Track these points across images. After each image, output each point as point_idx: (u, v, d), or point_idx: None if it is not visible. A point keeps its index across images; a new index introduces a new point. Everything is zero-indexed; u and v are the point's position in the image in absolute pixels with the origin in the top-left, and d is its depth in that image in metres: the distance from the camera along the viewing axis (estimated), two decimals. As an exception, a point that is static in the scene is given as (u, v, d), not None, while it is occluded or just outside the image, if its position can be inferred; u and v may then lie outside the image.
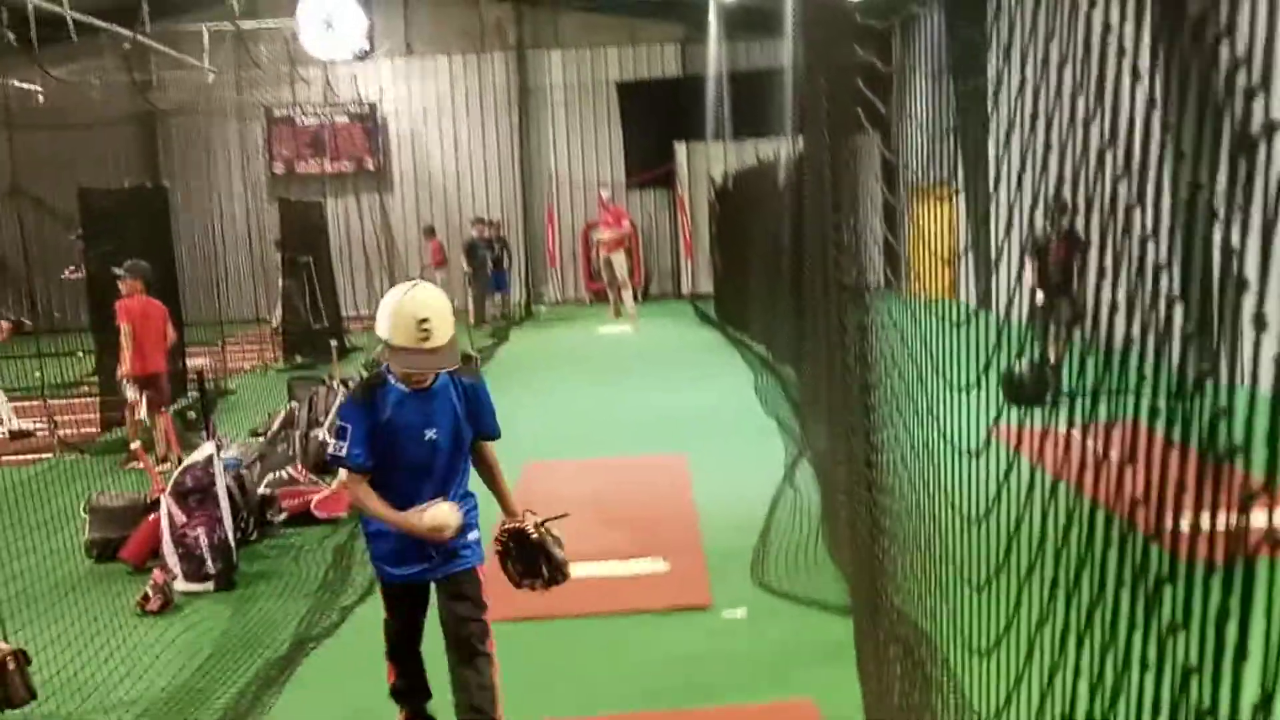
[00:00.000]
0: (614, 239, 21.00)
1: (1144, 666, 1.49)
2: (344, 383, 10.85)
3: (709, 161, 22.26)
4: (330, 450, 4.24)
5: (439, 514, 4.15)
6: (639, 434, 10.81)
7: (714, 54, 21.73)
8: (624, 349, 17.39)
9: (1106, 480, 1.75)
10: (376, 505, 4.19)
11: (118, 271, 10.70)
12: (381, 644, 4.59)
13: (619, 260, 21.11)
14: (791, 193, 11.00)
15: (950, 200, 3.11)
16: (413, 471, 4.24)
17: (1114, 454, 1.73)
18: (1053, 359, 9.79)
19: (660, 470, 9.24)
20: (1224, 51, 1.29)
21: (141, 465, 8.55)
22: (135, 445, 7.98)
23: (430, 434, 4.21)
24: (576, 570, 6.06)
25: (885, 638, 3.69)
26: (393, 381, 4.20)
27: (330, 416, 9.75)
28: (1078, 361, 1.90)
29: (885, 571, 3.67)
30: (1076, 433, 1.86)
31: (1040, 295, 9.74)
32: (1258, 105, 1.16)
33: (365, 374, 11.46)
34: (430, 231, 23.43)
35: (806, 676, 5.15)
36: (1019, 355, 2.68)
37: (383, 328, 4.09)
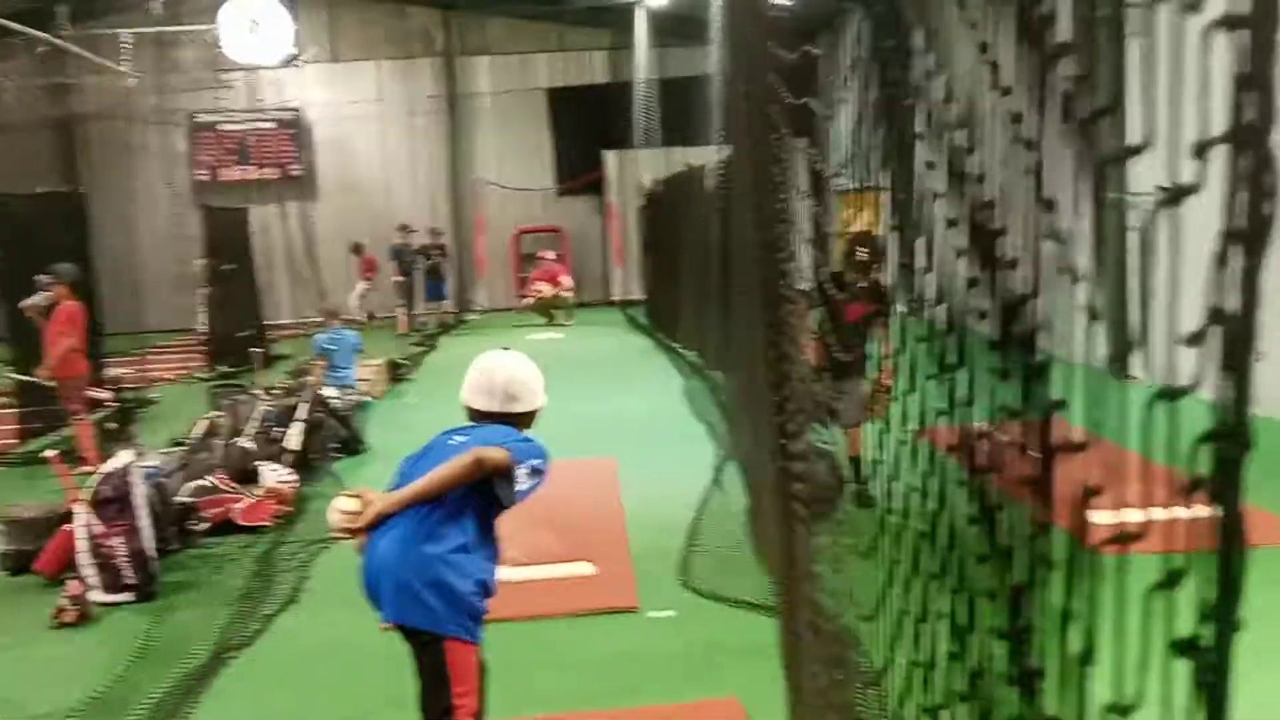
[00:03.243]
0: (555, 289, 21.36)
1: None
2: (268, 390, 10.69)
3: (639, 169, 22.35)
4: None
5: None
6: (569, 438, 10.72)
7: (642, 61, 21.84)
8: (555, 355, 17.31)
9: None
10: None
11: (41, 279, 10.45)
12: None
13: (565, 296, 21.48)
14: (719, 199, 11.08)
15: (874, 207, 3.13)
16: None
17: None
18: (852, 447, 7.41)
19: (589, 474, 9.23)
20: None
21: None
22: (51, 453, 7.78)
23: None
24: (504, 574, 6.06)
25: (804, 628, 3.71)
26: None
27: (284, 426, 9.62)
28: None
29: (805, 561, 3.70)
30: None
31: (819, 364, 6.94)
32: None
33: (291, 380, 11.31)
34: (358, 248, 22.55)
35: (733, 675, 5.17)
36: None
37: (541, 396, 4.40)
